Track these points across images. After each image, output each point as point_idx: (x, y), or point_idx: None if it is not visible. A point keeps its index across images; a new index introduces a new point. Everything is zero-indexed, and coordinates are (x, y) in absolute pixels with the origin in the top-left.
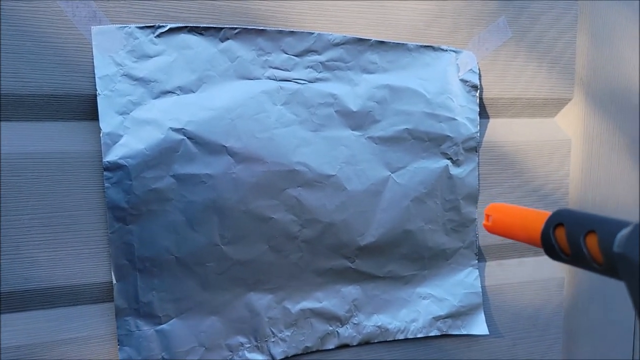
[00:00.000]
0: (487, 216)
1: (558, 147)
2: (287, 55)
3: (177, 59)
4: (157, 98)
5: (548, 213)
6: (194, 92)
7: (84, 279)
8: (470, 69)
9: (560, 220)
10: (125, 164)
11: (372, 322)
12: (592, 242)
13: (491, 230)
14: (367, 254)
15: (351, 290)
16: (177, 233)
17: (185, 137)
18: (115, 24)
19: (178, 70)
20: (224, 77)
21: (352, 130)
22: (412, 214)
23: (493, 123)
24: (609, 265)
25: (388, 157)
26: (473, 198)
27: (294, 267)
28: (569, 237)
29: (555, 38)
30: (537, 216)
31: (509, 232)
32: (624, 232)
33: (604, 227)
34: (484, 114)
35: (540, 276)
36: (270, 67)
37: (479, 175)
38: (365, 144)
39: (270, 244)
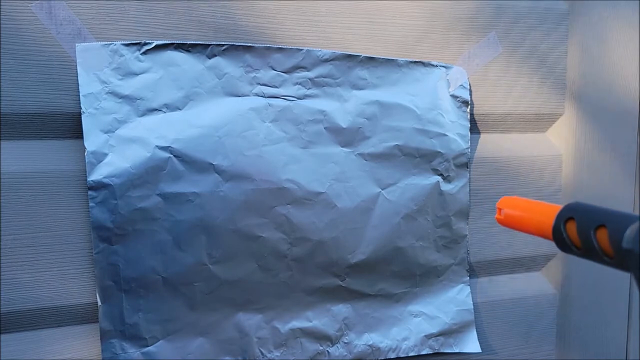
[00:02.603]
0: (499, 210)
1: (549, 163)
2: (276, 72)
3: (163, 76)
4: (143, 116)
5: (559, 207)
6: (180, 109)
7: (68, 300)
8: (461, 85)
9: (571, 214)
10: (111, 182)
11: (363, 341)
12: (602, 236)
13: (503, 223)
14: (357, 272)
15: (342, 309)
16: (164, 253)
17: (171, 155)
18: (101, 41)
19: (164, 88)
20: (211, 94)
21: (342, 147)
22: (402, 231)
23: (484, 138)
24: (619, 259)
25: (378, 173)
26: (464, 214)
27: (284, 286)
28: (580, 231)
29: (546, 53)
30: (549, 210)
31: (520, 226)
32: (633, 227)
33: (614, 221)
34: (474, 129)
35: (532, 292)
36: (259, 83)
37: (470, 191)
38: (355, 161)
39: (259, 262)
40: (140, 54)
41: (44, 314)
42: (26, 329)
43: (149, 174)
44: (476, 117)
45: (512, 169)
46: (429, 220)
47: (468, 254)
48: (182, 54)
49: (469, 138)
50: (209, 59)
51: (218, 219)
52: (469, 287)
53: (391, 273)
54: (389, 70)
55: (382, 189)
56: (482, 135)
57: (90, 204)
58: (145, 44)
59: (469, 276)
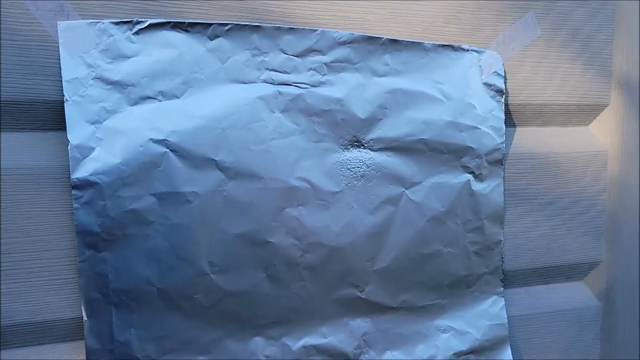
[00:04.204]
0: None
1: (593, 159)
2: (286, 56)
3: (158, 59)
4: (135, 105)
5: None
6: (178, 97)
7: (50, 314)
8: (495, 72)
9: None
10: (98, 181)
11: (385, 359)
12: None
13: None
14: (378, 282)
15: (360, 324)
16: (159, 261)
17: (168, 150)
18: (86, 18)
19: (160, 73)
20: (213, 81)
21: (360, 141)
22: (428, 236)
23: (520, 132)
24: None
25: (401, 171)
26: (498, 217)
27: (295, 298)
28: None
29: (589, 36)
30: None
31: None
32: None
33: None
34: (510, 122)
35: (573, 304)
36: (267, 69)
37: (504, 191)
38: (375, 157)
39: (267, 272)
40: (132, 34)
41: (22, 331)
42: (2, 348)
43: (141, 171)
44: (511, 108)
45: (551, 166)
46: (459, 223)
47: (502, 261)
48: (179, 34)
49: (504, 132)
50: (211, 40)
51: (221, 222)
52: (503, 298)
53: (416, 283)
54: (414, 54)
55: (406, 189)
56: (518, 129)
57: (75, 205)
58: (138, 22)
59: (503, 287)
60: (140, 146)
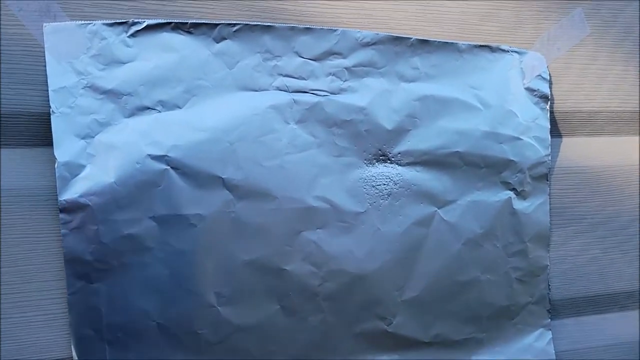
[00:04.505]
0: None
1: None
2: (302, 59)
3: (157, 65)
4: (131, 116)
5: None
6: (180, 107)
7: (36, 354)
8: (539, 75)
9: None
10: (89, 203)
11: None
12: None
13: None
14: (407, 313)
15: None
16: (160, 292)
17: (168, 167)
18: (76, 19)
19: (159, 80)
20: (219, 88)
21: (386, 155)
22: (465, 261)
23: (567, 143)
24: None
25: (433, 188)
26: (543, 239)
27: (314, 333)
28: None
29: None
30: None
31: None
32: None
33: None
34: (555, 131)
35: (629, 336)
36: (281, 74)
37: (550, 210)
38: (404, 172)
39: (282, 303)
40: (128, 37)
41: None
42: None
43: (139, 192)
44: (557, 116)
45: (603, 181)
46: (499, 247)
47: (549, 289)
48: (181, 36)
49: (549, 143)
50: (217, 43)
51: (229, 247)
52: (550, 331)
53: (450, 314)
54: (447, 56)
55: (438, 208)
56: (564, 139)
57: (63, 231)
58: (134, 23)
59: (551, 318)
60: (137, 163)
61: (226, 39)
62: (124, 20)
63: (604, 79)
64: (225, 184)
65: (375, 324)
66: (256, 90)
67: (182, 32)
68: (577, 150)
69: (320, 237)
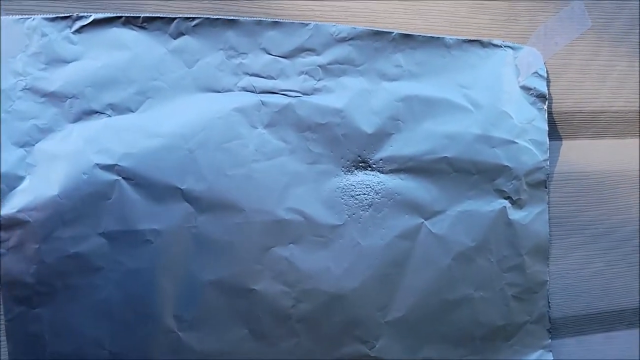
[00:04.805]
0: None
1: None
2: (271, 57)
3: (106, 64)
4: (77, 121)
5: None
6: (132, 111)
7: None
8: (535, 72)
9: None
10: (29, 219)
11: None
12: None
13: None
14: (392, 336)
15: None
16: (112, 317)
17: (119, 178)
18: (12, 13)
19: (109, 81)
20: (177, 90)
21: (367, 161)
22: (455, 277)
23: (567, 146)
24: None
25: (419, 197)
26: (542, 252)
27: (287, 359)
28: None
29: None
30: None
31: None
32: None
33: None
34: (554, 134)
35: (638, 356)
36: (247, 73)
37: (549, 219)
38: (386, 181)
39: (250, 327)
40: (72, 33)
41: None
42: None
43: (86, 205)
44: (556, 117)
45: (607, 187)
46: (493, 261)
47: (549, 307)
48: (134, 32)
49: (548, 146)
50: (174, 39)
51: (190, 266)
52: (550, 353)
53: (440, 336)
54: (433, 53)
55: (425, 219)
56: (564, 142)
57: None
58: (79, 17)
59: (551, 338)
60: (84, 174)
61: (184, 34)
62: (68, 15)
63: (607, 76)
64: (184, 195)
65: (356, 348)
66: (219, 92)
67: (134, 27)
68: (578, 154)
69: (293, 253)
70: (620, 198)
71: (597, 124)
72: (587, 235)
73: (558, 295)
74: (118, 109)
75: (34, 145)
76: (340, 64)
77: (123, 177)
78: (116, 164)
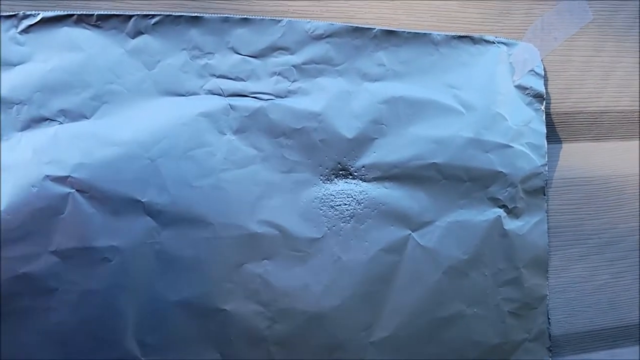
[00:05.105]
0: None
1: None
2: (240, 57)
3: (57, 66)
4: (25, 129)
5: None
6: (87, 118)
7: None
8: (532, 70)
9: None
10: None
11: None
12: None
13: None
14: (378, 358)
15: None
16: (66, 343)
17: (73, 190)
18: None
19: (60, 85)
20: (136, 94)
21: (348, 168)
22: (446, 293)
23: (568, 150)
24: None
25: (406, 207)
26: (541, 265)
27: None
28: None
29: None
30: None
31: None
32: None
33: None
34: (553, 137)
35: None
36: (213, 75)
37: (548, 229)
38: (369, 189)
39: (222, 351)
40: (19, 33)
41: None
42: None
43: (36, 221)
44: (554, 119)
45: (612, 193)
46: (487, 275)
47: (549, 324)
48: (87, 31)
49: (546, 150)
50: (132, 38)
51: (153, 286)
52: None
53: (430, 357)
54: (419, 50)
55: (413, 231)
56: (564, 146)
57: None
58: (26, 16)
59: (552, 357)
60: (33, 186)
61: (143, 33)
62: (13, 13)
63: (611, 74)
64: (146, 209)
65: None
66: (183, 95)
67: (87, 26)
68: (580, 158)
69: (267, 270)
70: (626, 205)
71: (600, 126)
72: (591, 245)
73: (559, 310)
74: (71, 115)
75: None
76: (316, 63)
77: (77, 190)
78: (69, 176)
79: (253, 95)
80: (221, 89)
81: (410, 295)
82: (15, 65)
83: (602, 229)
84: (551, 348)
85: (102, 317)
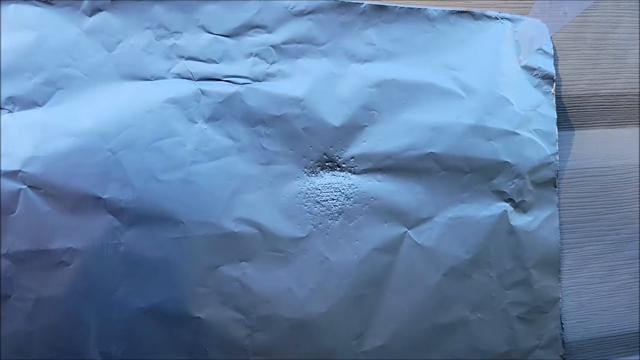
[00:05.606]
0: None
1: None
2: (212, 36)
3: (6, 49)
4: None
5: None
6: (40, 105)
7: None
8: (540, 49)
9: None
10: None
11: None
12: None
13: None
14: None
15: None
16: (22, 355)
17: (25, 186)
18: None
19: (9, 70)
20: (95, 78)
21: (335, 160)
22: (447, 297)
23: (581, 138)
24: None
25: (401, 202)
26: (552, 264)
27: None
28: None
29: None
30: None
31: None
32: None
33: None
34: (565, 123)
35: None
36: (182, 57)
37: (560, 225)
38: (359, 183)
39: None
40: None
41: None
42: None
43: None
44: (566, 103)
45: (630, 185)
46: (493, 276)
47: (562, 329)
48: (38, 9)
49: (557, 138)
50: (89, 16)
51: (117, 291)
52: None
53: None
54: (413, 27)
55: (409, 229)
56: (577, 133)
57: None
58: None
59: None
60: None
61: (101, 10)
62: None
63: (628, 52)
64: (107, 206)
65: None
66: (148, 79)
67: (38, 3)
68: (594, 146)
69: (245, 273)
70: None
71: (617, 110)
72: (608, 242)
73: (573, 314)
74: (21, 102)
75: None
76: (297, 43)
77: (29, 186)
78: (20, 170)
79: (227, 79)
80: (191, 73)
81: (407, 299)
82: None
83: (619, 224)
84: (565, 356)
85: (60, 327)
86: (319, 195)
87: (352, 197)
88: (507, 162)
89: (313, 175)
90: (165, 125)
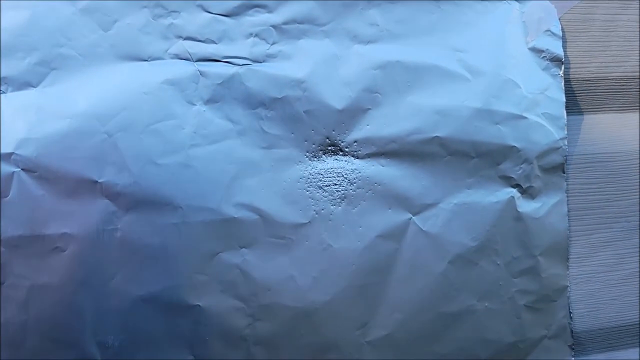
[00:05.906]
0: None
1: None
2: (211, 15)
3: None
4: None
5: None
6: (34, 86)
7: None
8: (548, 30)
9: None
10: None
11: None
12: None
13: None
14: (375, 359)
15: None
16: (15, 346)
17: (18, 169)
18: None
19: (2, 49)
20: (91, 59)
21: (337, 144)
22: (453, 285)
23: (590, 122)
24: None
25: (405, 188)
26: (560, 252)
27: None
28: None
29: None
30: None
31: None
32: None
33: None
34: (573, 106)
35: None
36: (180, 37)
37: (568, 212)
38: (363, 167)
39: (195, 352)
40: None
41: None
42: None
43: None
44: (575, 86)
45: None
46: (500, 264)
47: (571, 318)
48: None
49: (566, 122)
50: None
51: (114, 279)
52: None
53: (436, 358)
54: (418, 7)
55: (414, 215)
56: (586, 117)
57: None
58: None
59: (574, 356)
60: None
61: None
62: None
63: (638, 34)
64: (103, 190)
65: None
66: (145, 60)
67: None
68: (604, 130)
69: (246, 260)
70: None
71: (627, 94)
72: (617, 230)
73: (582, 303)
74: (15, 83)
75: None
76: (299, 23)
77: (23, 169)
78: (13, 153)
79: (226, 59)
80: (189, 53)
81: (412, 288)
82: None
83: (629, 211)
84: (573, 346)
85: (55, 316)
86: (321, 180)
87: (355, 182)
88: (515, 146)
89: (315, 159)
90: (162, 107)
